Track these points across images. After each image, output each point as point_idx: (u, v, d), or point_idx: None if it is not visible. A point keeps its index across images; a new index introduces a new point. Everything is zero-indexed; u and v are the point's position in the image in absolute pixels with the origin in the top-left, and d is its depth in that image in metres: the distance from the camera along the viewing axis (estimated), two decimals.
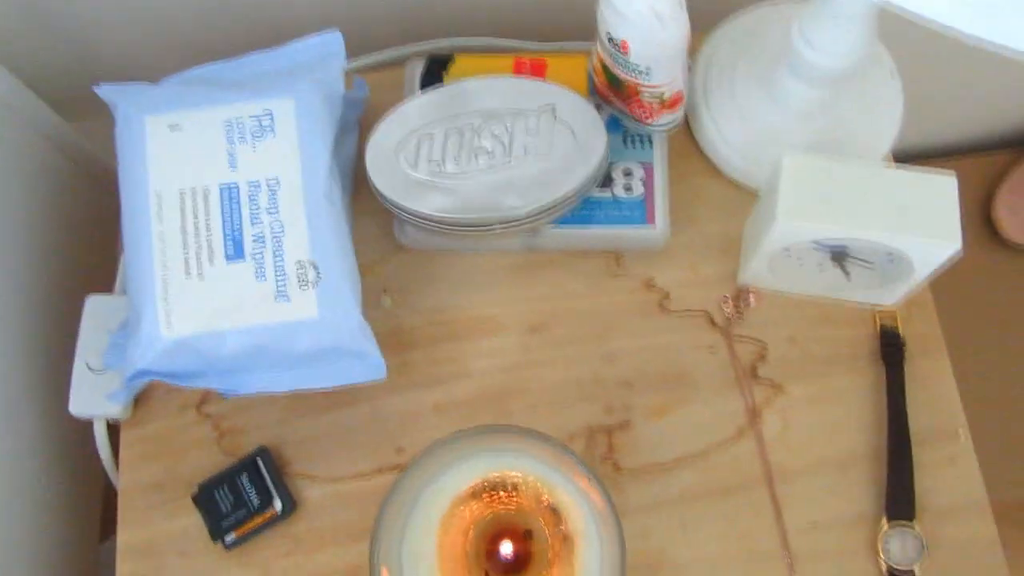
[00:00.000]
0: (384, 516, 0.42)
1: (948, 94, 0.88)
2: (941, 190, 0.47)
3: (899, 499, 0.50)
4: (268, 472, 0.52)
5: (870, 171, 0.48)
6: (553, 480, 0.46)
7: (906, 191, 0.47)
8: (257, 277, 0.48)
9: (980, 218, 0.96)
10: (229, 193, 0.49)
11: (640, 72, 0.49)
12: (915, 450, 0.51)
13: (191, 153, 0.49)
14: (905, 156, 1.00)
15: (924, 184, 0.47)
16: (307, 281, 0.48)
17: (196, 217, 0.49)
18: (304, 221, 0.49)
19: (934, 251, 0.47)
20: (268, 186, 0.49)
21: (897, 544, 0.50)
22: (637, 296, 0.56)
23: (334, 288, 0.49)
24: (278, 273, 0.48)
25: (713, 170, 0.58)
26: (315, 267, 0.48)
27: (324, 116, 0.51)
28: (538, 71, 0.56)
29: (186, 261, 0.48)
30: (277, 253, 0.48)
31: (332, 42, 0.53)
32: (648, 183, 0.55)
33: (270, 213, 0.49)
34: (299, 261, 0.48)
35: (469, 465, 0.46)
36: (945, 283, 0.95)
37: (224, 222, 0.49)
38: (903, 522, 0.50)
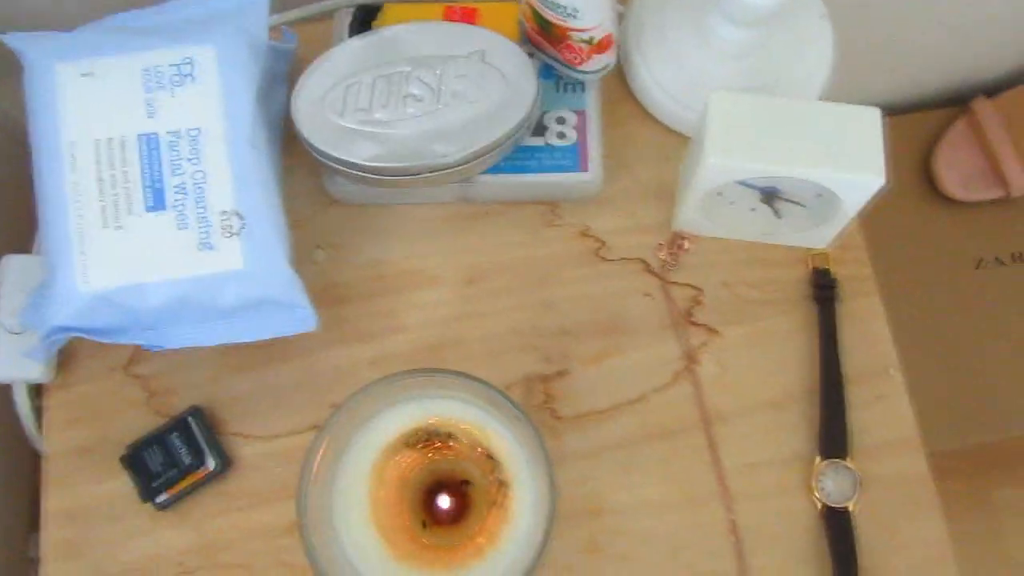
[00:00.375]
0: (309, 463, 0.41)
1: (884, 53, 0.89)
2: (866, 124, 0.47)
3: (832, 437, 0.51)
4: (200, 431, 0.51)
5: (797, 107, 0.48)
6: (486, 424, 0.45)
7: (832, 126, 0.47)
8: (179, 227, 0.47)
9: (920, 174, 0.98)
10: (148, 142, 0.47)
11: (567, 14, 0.49)
12: (848, 389, 0.52)
13: (106, 102, 0.48)
14: None
15: (850, 118, 0.47)
16: (232, 231, 0.47)
17: (113, 167, 0.47)
18: (228, 170, 0.48)
19: (860, 186, 0.47)
20: (189, 135, 0.48)
21: (831, 481, 0.50)
22: (573, 244, 0.55)
23: (260, 237, 0.47)
24: (201, 223, 0.47)
25: (647, 116, 0.57)
26: (240, 216, 0.47)
27: (247, 64, 0.49)
28: (469, 19, 0.55)
29: (103, 211, 0.46)
30: (200, 203, 0.47)
31: None
32: (581, 130, 0.54)
33: (192, 162, 0.47)
34: (223, 211, 0.47)
35: (400, 411, 0.45)
36: (886, 238, 0.96)
37: (143, 172, 0.47)
38: (837, 460, 0.50)
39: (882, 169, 0.46)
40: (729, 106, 0.47)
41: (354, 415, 0.43)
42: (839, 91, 1.02)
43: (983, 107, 0.95)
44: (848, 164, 0.46)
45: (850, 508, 0.50)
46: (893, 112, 1.02)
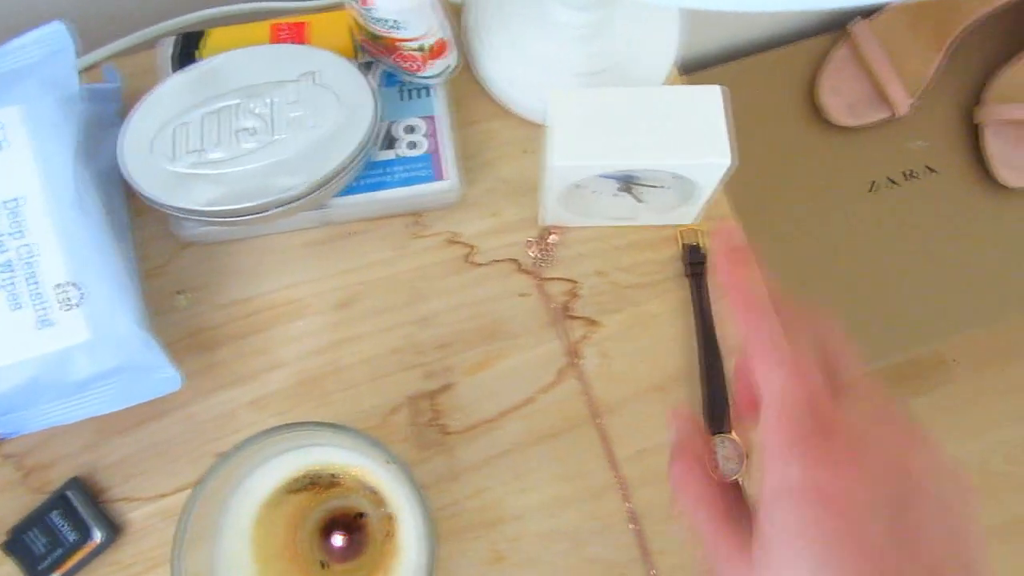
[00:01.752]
0: (181, 534, 0.40)
1: None
2: (708, 104, 0.46)
3: (715, 413, 0.51)
4: (81, 504, 0.49)
5: (639, 94, 0.46)
6: (364, 465, 0.45)
7: (675, 110, 0.46)
8: (12, 308, 0.44)
9: (806, 103, 0.98)
10: None
11: (391, 26, 0.46)
12: (727, 362, 0.52)
13: None
14: (727, 54, 1.00)
15: (692, 100, 0.46)
16: (70, 303, 0.45)
17: None
18: (55, 240, 0.45)
19: (709, 168, 0.46)
20: (6, 207, 0.45)
21: (720, 457, 0.51)
22: (442, 253, 0.54)
23: (103, 304, 0.45)
24: (36, 299, 0.45)
25: (501, 111, 0.56)
26: (76, 287, 0.45)
27: (60, 120, 0.46)
28: (298, 35, 0.52)
29: None
30: (31, 279, 0.45)
31: (56, 35, 0.48)
32: (432, 137, 0.53)
33: (15, 237, 0.45)
34: (58, 283, 0.45)
35: (275, 465, 0.44)
36: (779, 169, 0.97)
37: None
38: (723, 434, 0.51)
39: (727, 150, 0.45)
40: (570, 104, 0.46)
41: (224, 481, 0.42)
42: (723, 27, 1.01)
43: (861, 30, 0.95)
44: (693, 149, 0.45)
45: (740, 481, 0.51)
46: (777, 43, 1.01)
